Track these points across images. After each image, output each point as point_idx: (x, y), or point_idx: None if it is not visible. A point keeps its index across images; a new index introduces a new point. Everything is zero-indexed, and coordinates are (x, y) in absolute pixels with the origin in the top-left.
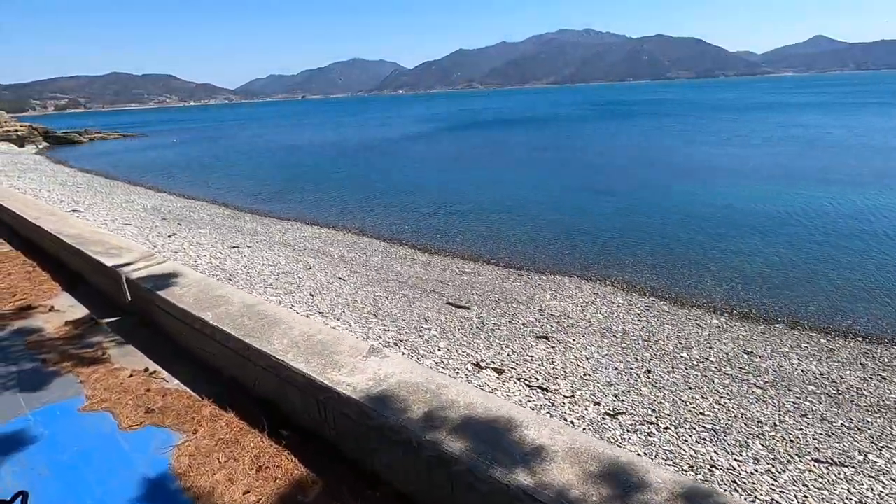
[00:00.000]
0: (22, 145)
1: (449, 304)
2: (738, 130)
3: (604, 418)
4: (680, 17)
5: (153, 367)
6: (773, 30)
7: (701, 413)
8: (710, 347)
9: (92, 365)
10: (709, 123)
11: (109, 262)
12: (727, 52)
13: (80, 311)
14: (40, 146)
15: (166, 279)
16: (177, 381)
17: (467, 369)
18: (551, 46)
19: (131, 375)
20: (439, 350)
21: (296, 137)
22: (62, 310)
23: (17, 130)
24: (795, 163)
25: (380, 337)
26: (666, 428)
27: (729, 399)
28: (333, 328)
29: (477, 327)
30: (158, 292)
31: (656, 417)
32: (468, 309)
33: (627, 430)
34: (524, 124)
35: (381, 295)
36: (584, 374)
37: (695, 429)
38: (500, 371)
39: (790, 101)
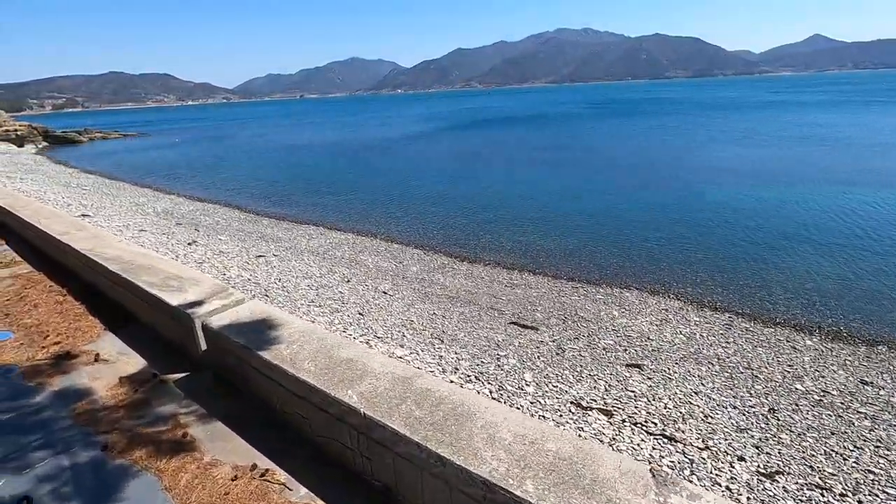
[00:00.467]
0: (21, 145)
1: (514, 323)
2: (755, 129)
3: (760, 481)
4: (678, 17)
5: (263, 461)
6: (771, 29)
7: (868, 471)
8: (822, 377)
9: (174, 456)
10: (722, 122)
11: (174, 300)
12: (725, 51)
13: (134, 362)
14: (40, 146)
15: (260, 328)
16: (305, 491)
17: (570, 411)
18: (550, 45)
19: (236, 478)
20: (527, 385)
21: (299, 137)
22: (110, 359)
23: (16, 130)
24: (829, 163)
25: (456, 369)
26: (842, 495)
27: (886, 449)
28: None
29: (556, 354)
30: (260, 352)
31: (820, 478)
32: (537, 330)
33: (798, 500)
34: (532, 123)
35: (436, 313)
36: (705, 416)
37: (876, 495)
38: (607, 413)
39: (795, 100)
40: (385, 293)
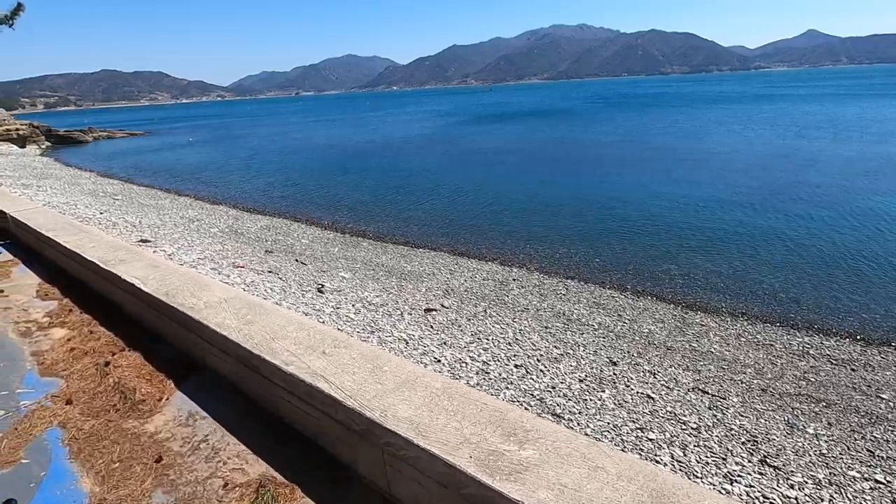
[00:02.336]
0: (23, 145)
1: None
2: (830, 122)
3: None
4: (673, 12)
5: None
6: (766, 24)
7: None
8: None
9: None
10: (788, 116)
11: None
12: (721, 46)
13: None
14: (43, 146)
15: None
16: None
17: None
18: (545, 42)
19: None
20: None
21: (322, 135)
22: None
23: (17, 129)
24: None
25: None
26: None
27: None
28: None
29: None
30: None
31: None
32: None
33: None
34: (562, 117)
35: (858, 445)
36: None
37: None
38: None
39: (818, 94)
40: (703, 391)
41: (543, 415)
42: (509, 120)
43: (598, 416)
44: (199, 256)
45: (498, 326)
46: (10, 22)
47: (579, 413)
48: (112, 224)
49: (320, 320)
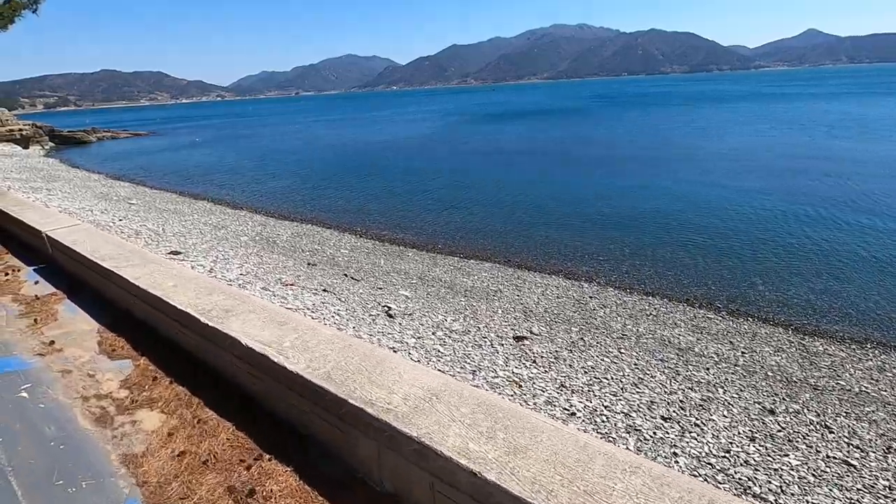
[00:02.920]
0: (26, 146)
1: None
2: (860, 123)
3: None
4: (673, 12)
5: None
6: (766, 23)
7: None
8: None
9: None
10: (799, 115)
11: None
12: (721, 45)
13: None
14: (46, 147)
15: None
16: None
17: None
18: (545, 41)
19: None
20: None
21: (330, 135)
22: None
23: (20, 130)
24: None
25: None
26: None
27: None
28: None
29: None
30: None
31: None
32: None
33: None
34: (574, 116)
35: None
36: None
37: None
38: None
39: (830, 92)
40: None
41: (750, 498)
42: (517, 119)
43: (809, 499)
44: (241, 272)
45: (607, 360)
46: (34, 7)
47: (781, 492)
48: (134, 232)
49: (414, 359)
